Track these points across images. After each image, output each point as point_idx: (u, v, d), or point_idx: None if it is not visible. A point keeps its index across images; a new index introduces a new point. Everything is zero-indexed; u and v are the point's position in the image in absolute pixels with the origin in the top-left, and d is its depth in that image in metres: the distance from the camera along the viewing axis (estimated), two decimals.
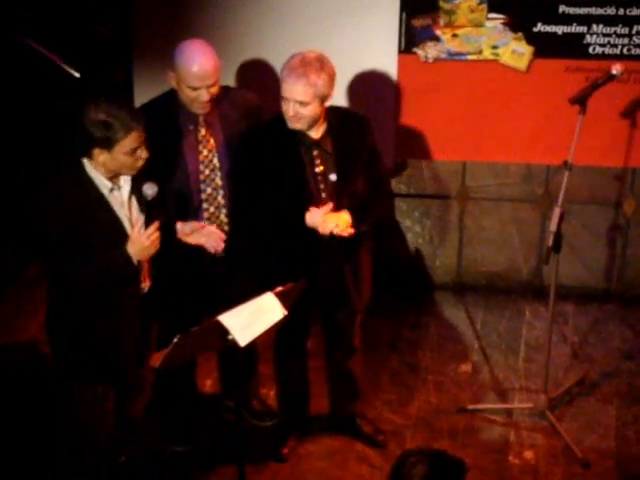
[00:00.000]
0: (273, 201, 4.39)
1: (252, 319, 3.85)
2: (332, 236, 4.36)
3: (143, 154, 3.87)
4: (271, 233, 4.48)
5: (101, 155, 3.81)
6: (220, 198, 4.55)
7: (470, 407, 5.06)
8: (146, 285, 4.09)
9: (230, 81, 5.34)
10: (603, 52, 5.43)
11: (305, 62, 4.26)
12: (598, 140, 5.47)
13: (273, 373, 4.88)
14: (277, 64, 5.50)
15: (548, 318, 4.92)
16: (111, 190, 3.90)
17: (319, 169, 4.39)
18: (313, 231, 4.35)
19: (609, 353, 5.54)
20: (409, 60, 5.57)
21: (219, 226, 4.50)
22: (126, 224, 3.93)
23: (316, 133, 4.38)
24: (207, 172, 4.50)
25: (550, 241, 4.63)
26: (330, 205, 4.34)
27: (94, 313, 3.97)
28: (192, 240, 4.21)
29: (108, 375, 4.08)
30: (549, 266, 4.81)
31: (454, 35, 5.49)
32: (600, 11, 5.37)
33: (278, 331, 4.55)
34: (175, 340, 3.66)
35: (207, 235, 4.25)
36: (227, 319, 3.78)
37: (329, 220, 4.33)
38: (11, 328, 5.28)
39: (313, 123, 4.34)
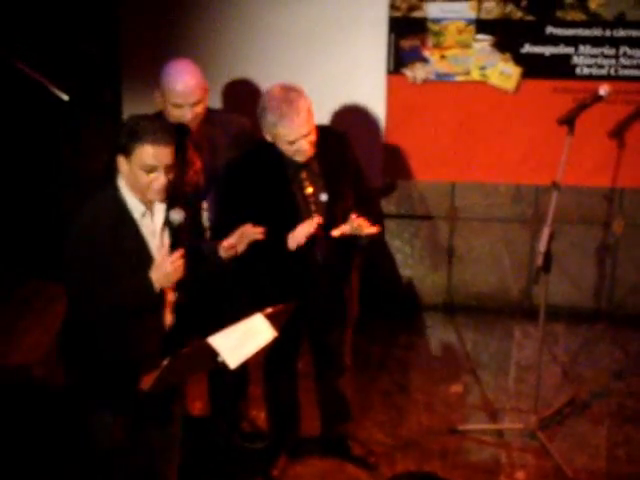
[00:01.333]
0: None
1: (242, 341, 3.83)
2: (325, 256, 4.36)
3: (160, 179, 3.69)
4: (259, 257, 4.39)
5: (123, 165, 3.69)
6: (204, 220, 4.56)
7: (461, 428, 5.05)
8: (169, 320, 3.92)
9: (217, 102, 5.34)
10: (590, 73, 5.46)
11: (294, 95, 4.19)
12: (586, 160, 5.50)
13: (263, 394, 4.86)
14: (264, 85, 5.54)
15: (538, 338, 4.92)
16: (143, 215, 3.76)
17: (309, 191, 4.36)
18: (301, 253, 4.32)
19: (599, 373, 5.54)
20: (398, 81, 5.59)
21: None
22: (154, 253, 3.77)
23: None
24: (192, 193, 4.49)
25: (540, 261, 4.64)
26: (317, 219, 4.26)
27: (112, 343, 3.83)
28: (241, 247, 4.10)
29: (121, 405, 3.94)
30: (539, 286, 4.82)
31: (442, 56, 5.51)
32: (587, 32, 5.40)
33: (268, 352, 4.52)
34: (165, 362, 3.64)
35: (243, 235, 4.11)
36: (216, 341, 3.76)
37: (356, 223, 4.26)
38: (1, 351, 5.25)
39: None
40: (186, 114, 4.35)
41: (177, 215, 3.77)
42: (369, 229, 4.26)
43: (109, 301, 3.76)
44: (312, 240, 4.29)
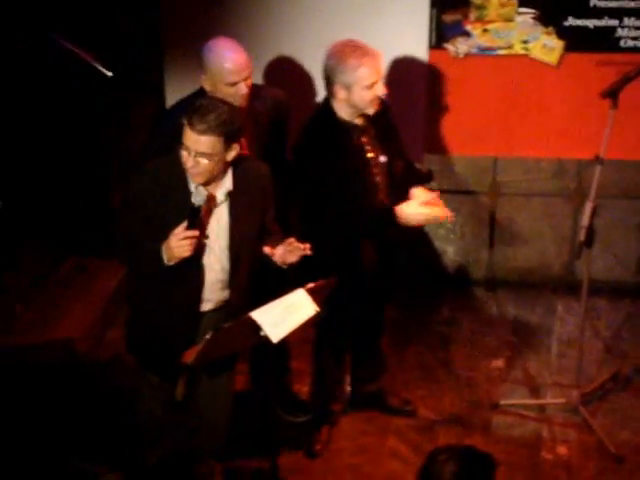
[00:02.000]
0: (354, 204, 4.34)
1: (284, 316, 3.86)
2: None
3: (189, 162, 3.75)
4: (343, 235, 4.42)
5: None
6: None
7: (502, 403, 5.05)
8: (227, 296, 4.02)
9: (257, 78, 5.35)
10: (635, 45, 5.41)
11: (362, 45, 4.27)
12: (630, 134, 5.45)
13: (305, 368, 4.89)
14: (306, 61, 5.56)
15: (581, 313, 4.90)
16: (196, 188, 3.83)
17: (370, 154, 4.43)
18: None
19: None
20: (440, 55, 5.57)
21: None
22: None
23: (360, 119, 4.40)
24: None
25: (582, 236, 4.62)
26: (432, 194, 4.39)
27: (151, 302, 4.01)
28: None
29: (158, 367, 4.09)
30: (581, 261, 4.80)
31: (484, 30, 5.49)
32: (632, 4, 5.35)
33: (321, 326, 4.59)
34: (207, 337, 3.68)
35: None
36: (259, 315, 3.79)
37: (428, 211, 4.35)
38: (45, 327, 5.32)
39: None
40: (242, 89, 4.35)
41: (199, 196, 3.80)
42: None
43: (132, 260, 3.94)
44: None
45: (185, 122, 3.72)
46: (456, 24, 5.50)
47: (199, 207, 3.79)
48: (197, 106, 3.74)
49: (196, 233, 3.79)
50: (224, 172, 3.87)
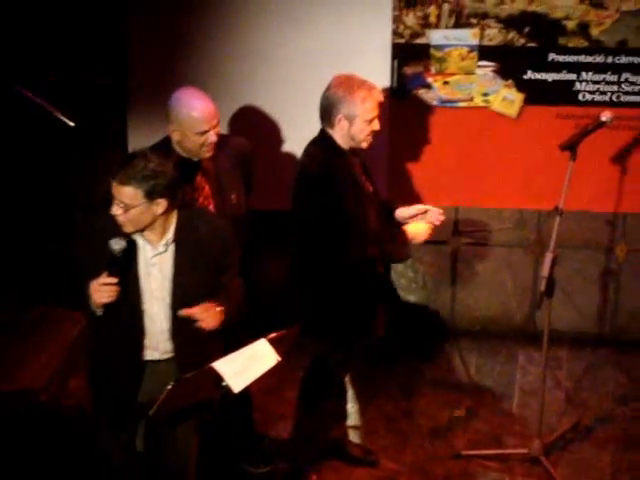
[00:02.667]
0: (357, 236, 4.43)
1: (246, 366, 3.84)
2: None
3: (113, 210, 3.79)
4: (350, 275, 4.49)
5: None
6: None
7: (464, 453, 5.05)
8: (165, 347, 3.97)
9: (222, 128, 5.38)
10: (593, 99, 5.50)
11: (358, 78, 4.41)
12: (589, 186, 5.52)
13: (265, 417, 4.87)
14: (271, 110, 5.59)
15: (542, 363, 4.93)
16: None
17: (364, 180, 4.56)
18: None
19: (603, 398, 5.54)
20: (402, 106, 5.62)
21: None
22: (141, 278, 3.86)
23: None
24: None
25: (543, 286, 4.65)
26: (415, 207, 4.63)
27: (100, 350, 4.03)
28: None
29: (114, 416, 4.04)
30: (542, 311, 4.84)
31: (445, 82, 5.55)
32: (589, 59, 5.44)
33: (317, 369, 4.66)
34: (168, 387, 3.66)
35: None
36: (221, 366, 3.78)
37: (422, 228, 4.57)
38: (6, 377, 5.26)
39: None
40: (211, 137, 4.39)
41: (116, 245, 3.78)
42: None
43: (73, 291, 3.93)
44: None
45: (112, 179, 3.76)
46: (417, 76, 5.57)
47: (118, 255, 3.77)
48: (127, 157, 3.79)
49: (114, 280, 3.76)
50: (165, 222, 3.84)
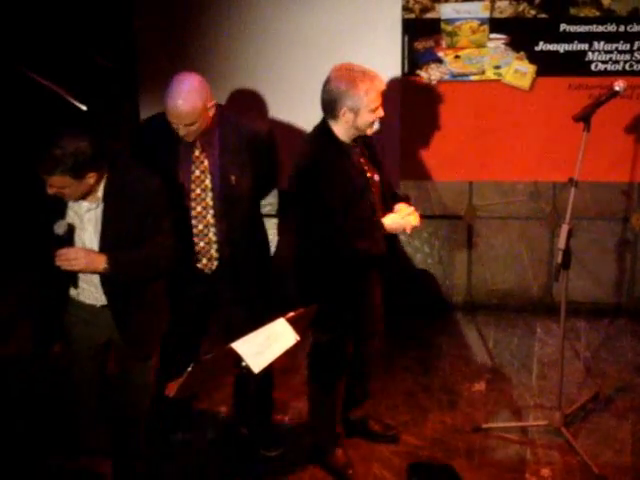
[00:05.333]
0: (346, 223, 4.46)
1: (265, 345, 3.86)
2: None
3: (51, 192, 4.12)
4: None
5: None
6: (210, 217, 4.66)
7: (485, 426, 5.07)
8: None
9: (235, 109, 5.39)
10: (605, 69, 5.46)
11: (362, 69, 4.40)
12: (603, 156, 5.50)
13: (284, 398, 4.90)
14: (282, 89, 5.58)
15: (560, 335, 4.93)
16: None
17: (369, 174, 4.55)
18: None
19: (622, 368, 5.54)
20: (413, 82, 5.61)
21: (207, 244, 4.68)
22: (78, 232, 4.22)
23: (351, 140, 4.51)
24: (198, 191, 4.62)
25: (559, 258, 4.65)
26: (411, 207, 4.60)
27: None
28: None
29: None
30: (559, 283, 4.83)
31: (456, 56, 5.53)
32: (601, 28, 5.41)
33: (323, 348, 4.69)
34: (189, 369, 3.68)
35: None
36: (240, 346, 3.80)
37: (409, 218, 4.56)
38: None
39: None
40: (179, 131, 4.50)
41: (59, 229, 4.16)
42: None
43: None
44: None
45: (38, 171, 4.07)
46: (428, 51, 5.55)
47: (63, 235, 4.15)
48: (43, 149, 4.04)
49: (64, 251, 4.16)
50: (97, 185, 4.18)
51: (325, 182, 4.40)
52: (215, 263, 4.71)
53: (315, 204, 4.42)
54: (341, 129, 4.44)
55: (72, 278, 4.30)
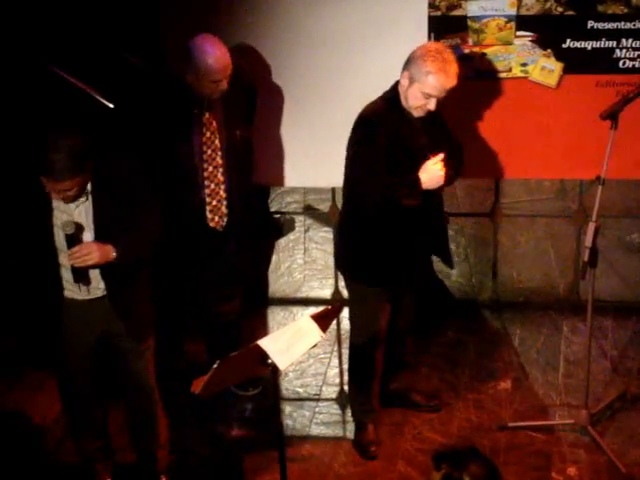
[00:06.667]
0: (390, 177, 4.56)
1: (291, 343, 3.88)
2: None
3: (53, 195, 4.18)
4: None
5: None
6: (220, 175, 4.91)
7: (511, 424, 5.06)
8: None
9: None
10: (633, 66, 5.42)
11: (447, 59, 4.52)
12: (630, 153, 5.46)
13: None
14: (308, 84, 5.57)
15: (587, 333, 4.91)
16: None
17: (422, 141, 4.63)
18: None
19: None
20: None
21: (219, 202, 4.92)
22: (55, 228, 4.26)
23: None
24: (209, 152, 4.85)
25: (586, 256, 4.63)
26: (441, 155, 4.59)
27: None
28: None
29: None
30: (586, 281, 4.81)
31: (483, 54, 5.52)
32: (629, 25, 5.37)
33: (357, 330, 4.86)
34: (215, 366, 3.70)
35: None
36: (266, 343, 3.81)
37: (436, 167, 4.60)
38: None
39: None
40: (221, 85, 4.71)
41: (67, 229, 4.20)
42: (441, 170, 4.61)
43: None
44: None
45: (45, 178, 4.09)
46: (454, 48, 5.53)
47: (70, 234, 4.19)
48: (45, 157, 4.05)
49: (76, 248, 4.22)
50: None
51: (378, 135, 4.51)
52: (225, 219, 4.95)
53: (361, 152, 4.55)
54: (401, 92, 4.58)
55: (59, 278, 4.33)
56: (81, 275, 4.28)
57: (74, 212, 4.26)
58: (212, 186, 4.91)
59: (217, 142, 4.86)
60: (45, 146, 4.07)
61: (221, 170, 4.90)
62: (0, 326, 5.41)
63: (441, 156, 4.57)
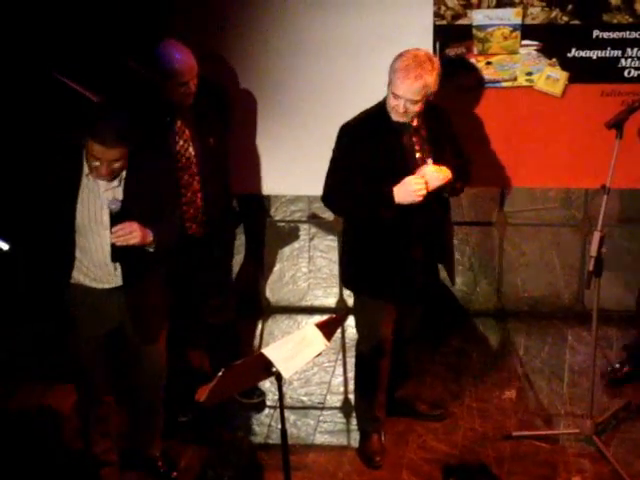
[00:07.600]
0: (364, 187, 4.54)
1: (295, 351, 3.88)
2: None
3: (100, 170, 4.16)
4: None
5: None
6: (195, 184, 4.94)
7: (515, 434, 5.05)
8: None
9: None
10: (638, 75, 5.43)
11: (419, 62, 4.44)
12: (636, 163, 5.46)
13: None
14: (312, 93, 5.57)
15: (591, 342, 4.91)
16: (87, 175, 4.26)
17: (418, 155, 4.59)
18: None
19: None
20: (445, 88, 5.58)
21: (196, 210, 4.94)
22: (79, 206, 4.28)
23: (414, 121, 4.58)
24: (183, 160, 4.87)
25: (591, 265, 4.63)
26: (424, 170, 4.52)
27: None
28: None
29: None
30: (591, 290, 4.80)
31: (488, 63, 5.52)
32: (634, 34, 5.37)
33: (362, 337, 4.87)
34: (219, 374, 3.70)
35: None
36: (271, 352, 3.82)
37: (432, 172, 4.52)
38: None
39: (416, 116, 4.55)
40: (190, 88, 4.75)
41: (113, 205, 4.23)
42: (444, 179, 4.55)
43: None
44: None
45: (90, 139, 4.10)
46: (460, 57, 5.54)
47: (117, 213, 4.24)
48: (99, 118, 4.12)
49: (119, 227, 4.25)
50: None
51: (356, 143, 4.53)
52: (204, 227, 4.98)
53: (337, 160, 4.58)
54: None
55: (71, 263, 4.35)
56: (120, 254, 4.30)
57: (102, 195, 4.28)
58: (188, 194, 4.94)
59: (191, 150, 4.89)
60: (98, 113, 4.16)
61: (197, 178, 4.93)
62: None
63: (424, 171, 4.47)
